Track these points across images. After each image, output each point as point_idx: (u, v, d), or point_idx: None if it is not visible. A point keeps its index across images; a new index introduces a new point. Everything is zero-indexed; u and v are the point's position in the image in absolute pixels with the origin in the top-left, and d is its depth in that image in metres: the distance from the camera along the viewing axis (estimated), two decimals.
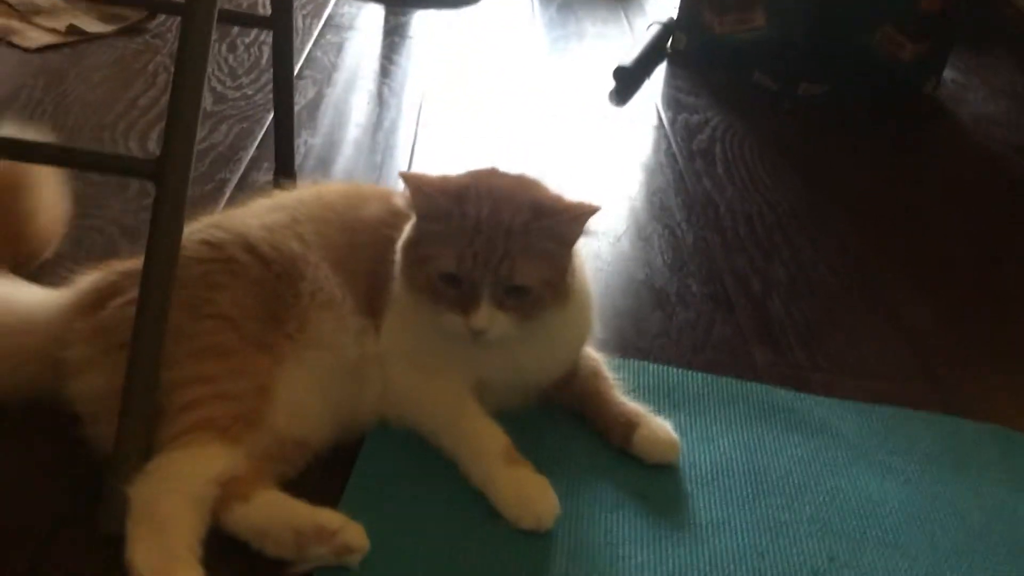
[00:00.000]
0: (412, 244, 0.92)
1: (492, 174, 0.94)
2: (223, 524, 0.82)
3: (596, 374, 1.05)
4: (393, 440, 0.97)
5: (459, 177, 0.93)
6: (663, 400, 1.10)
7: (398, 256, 0.94)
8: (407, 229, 0.94)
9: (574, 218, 0.90)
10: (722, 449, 1.05)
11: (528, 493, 0.90)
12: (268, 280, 0.92)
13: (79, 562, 0.81)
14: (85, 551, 0.82)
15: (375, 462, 0.95)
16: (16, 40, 1.71)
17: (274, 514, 0.83)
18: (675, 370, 1.15)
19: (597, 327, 1.05)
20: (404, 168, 1.57)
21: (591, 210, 0.90)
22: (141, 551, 0.77)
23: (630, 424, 1.00)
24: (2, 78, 1.61)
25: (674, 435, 1.00)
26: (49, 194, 1.15)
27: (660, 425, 1.00)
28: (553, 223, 0.89)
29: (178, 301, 0.86)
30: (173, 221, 0.84)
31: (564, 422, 1.04)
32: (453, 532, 0.89)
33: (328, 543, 0.81)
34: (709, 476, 1.00)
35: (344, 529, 0.82)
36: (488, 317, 0.88)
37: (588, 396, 1.03)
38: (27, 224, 1.12)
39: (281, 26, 1.24)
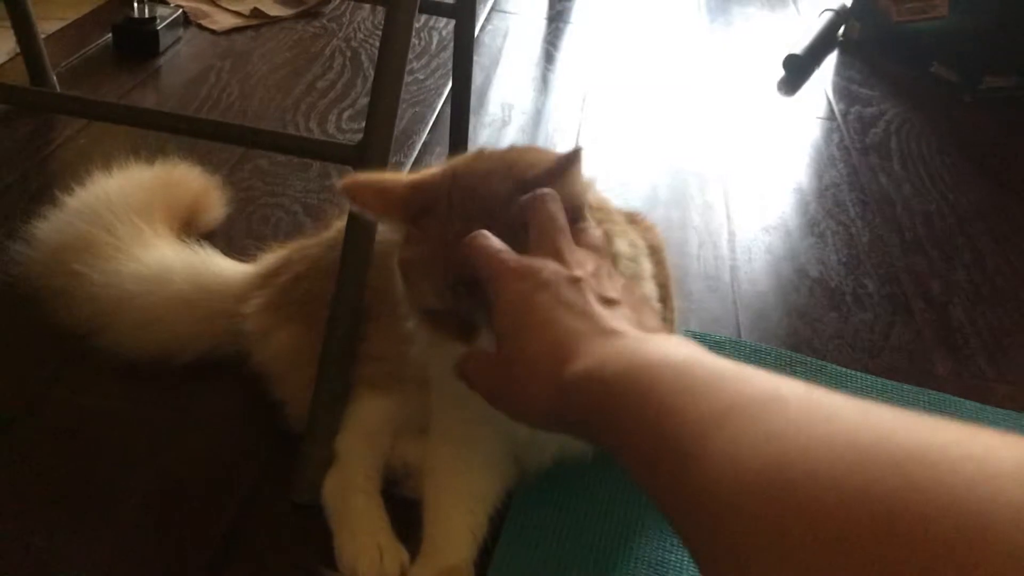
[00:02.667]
0: (402, 264, 0.75)
1: (471, 162, 0.76)
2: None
3: None
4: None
5: (431, 179, 0.74)
6: None
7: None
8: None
9: (553, 175, 0.70)
10: None
11: None
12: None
13: (279, 524, 0.86)
14: (285, 513, 0.86)
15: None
16: (206, 23, 1.80)
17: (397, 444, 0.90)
18: (853, 373, 1.12)
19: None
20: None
21: (569, 158, 0.70)
22: (328, 483, 0.86)
23: None
24: (194, 58, 1.70)
25: None
26: (199, 179, 1.22)
27: None
28: (533, 183, 0.70)
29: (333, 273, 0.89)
30: None
31: None
32: None
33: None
34: None
35: None
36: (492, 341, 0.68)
37: None
38: (192, 205, 1.19)
39: (464, 15, 1.26)
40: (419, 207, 0.72)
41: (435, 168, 0.77)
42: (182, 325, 0.99)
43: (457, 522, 0.83)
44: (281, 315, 0.95)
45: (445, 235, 0.70)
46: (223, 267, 1.05)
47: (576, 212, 0.71)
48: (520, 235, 0.68)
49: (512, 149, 0.80)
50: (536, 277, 0.62)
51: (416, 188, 0.73)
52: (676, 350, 0.53)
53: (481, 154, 0.78)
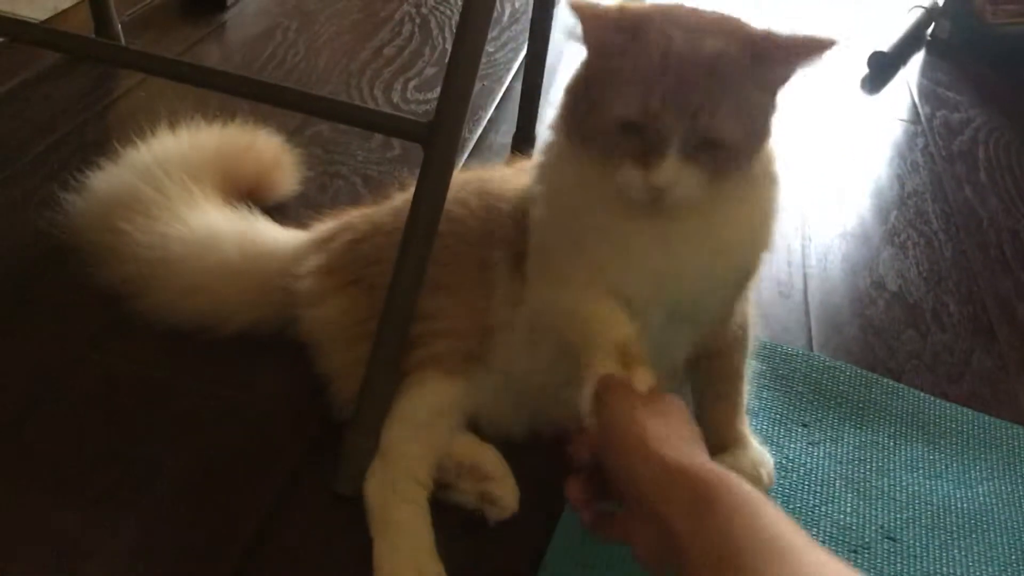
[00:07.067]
0: (580, 85, 0.74)
1: (686, 4, 0.74)
2: None
3: (730, 376, 0.88)
4: None
5: (640, 8, 0.72)
6: (916, 432, 1.00)
7: (560, 99, 0.78)
8: (577, 67, 0.75)
9: (804, 56, 0.69)
10: (980, 498, 0.94)
11: None
12: (476, 235, 0.88)
13: (318, 514, 0.82)
14: (325, 502, 0.83)
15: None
16: None
17: (452, 442, 0.84)
18: (931, 399, 1.05)
19: (770, 240, 0.80)
20: None
21: (827, 44, 0.69)
22: (372, 482, 0.81)
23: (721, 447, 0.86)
24: (261, 14, 1.65)
25: (759, 471, 0.85)
26: (274, 149, 1.18)
27: (752, 458, 0.87)
28: (773, 63, 0.69)
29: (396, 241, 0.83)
30: (439, 186, 0.81)
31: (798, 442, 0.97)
32: None
33: (477, 483, 0.82)
34: (966, 527, 0.90)
35: (498, 481, 0.83)
36: (674, 172, 0.68)
37: (704, 395, 0.88)
38: (258, 177, 1.14)
39: None
40: (632, 25, 0.70)
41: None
42: (228, 294, 0.95)
43: (612, 307, 0.75)
44: (337, 279, 0.90)
45: (659, 54, 0.68)
46: (274, 235, 1.01)
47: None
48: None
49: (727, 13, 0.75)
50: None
51: (628, 10, 0.71)
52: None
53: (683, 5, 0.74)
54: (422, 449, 0.82)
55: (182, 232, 0.97)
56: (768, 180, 0.77)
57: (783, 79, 0.71)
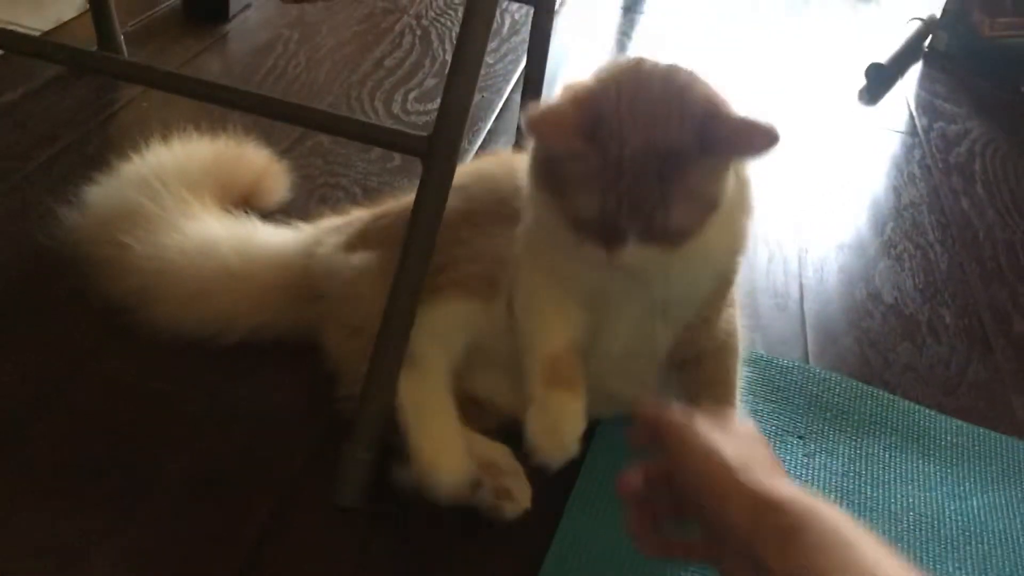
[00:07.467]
0: (544, 168, 0.76)
1: (635, 80, 0.73)
2: None
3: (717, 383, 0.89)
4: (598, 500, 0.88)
5: (592, 99, 0.72)
6: (911, 444, 1.00)
7: (528, 163, 0.79)
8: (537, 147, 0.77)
9: (746, 150, 0.72)
10: (974, 510, 0.95)
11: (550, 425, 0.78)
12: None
13: (316, 525, 0.82)
14: (325, 514, 0.83)
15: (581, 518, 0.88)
16: None
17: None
18: (925, 411, 1.05)
19: (745, 243, 0.81)
20: None
21: (769, 137, 0.70)
22: (403, 385, 0.84)
23: None
24: (262, 25, 1.67)
25: None
26: (263, 158, 1.19)
27: None
28: (722, 154, 0.72)
29: None
30: (437, 199, 0.82)
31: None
32: None
33: (493, 478, 0.83)
34: (960, 540, 0.91)
35: (513, 475, 0.84)
36: (634, 256, 0.72)
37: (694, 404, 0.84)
38: (251, 185, 1.16)
39: (544, 5, 1.20)
40: (587, 128, 0.70)
41: (589, 80, 0.74)
42: (228, 300, 0.96)
43: (556, 317, 0.81)
44: (363, 246, 0.94)
45: (613, 158, 0.70)
46: (273, 238, 1.02)
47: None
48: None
49: (676, 72, 0.75)
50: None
51: (581, 108, 0.71)
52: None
53: (642, 68, 0.75)
54: (448, 353, 0.86)
55: (180, 241, 0.98)
56: (738, 184, 0.78)
57: (729, 162, 0.74)
